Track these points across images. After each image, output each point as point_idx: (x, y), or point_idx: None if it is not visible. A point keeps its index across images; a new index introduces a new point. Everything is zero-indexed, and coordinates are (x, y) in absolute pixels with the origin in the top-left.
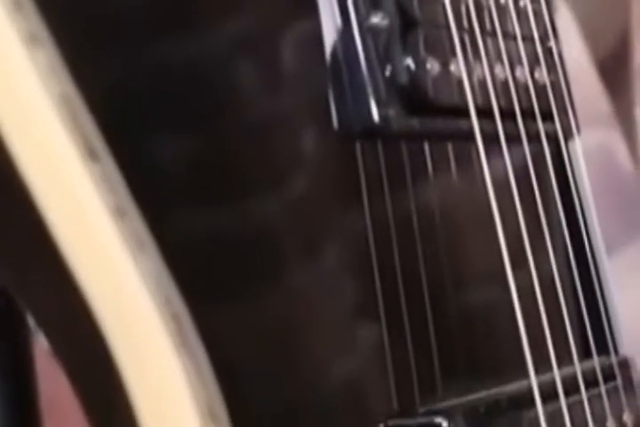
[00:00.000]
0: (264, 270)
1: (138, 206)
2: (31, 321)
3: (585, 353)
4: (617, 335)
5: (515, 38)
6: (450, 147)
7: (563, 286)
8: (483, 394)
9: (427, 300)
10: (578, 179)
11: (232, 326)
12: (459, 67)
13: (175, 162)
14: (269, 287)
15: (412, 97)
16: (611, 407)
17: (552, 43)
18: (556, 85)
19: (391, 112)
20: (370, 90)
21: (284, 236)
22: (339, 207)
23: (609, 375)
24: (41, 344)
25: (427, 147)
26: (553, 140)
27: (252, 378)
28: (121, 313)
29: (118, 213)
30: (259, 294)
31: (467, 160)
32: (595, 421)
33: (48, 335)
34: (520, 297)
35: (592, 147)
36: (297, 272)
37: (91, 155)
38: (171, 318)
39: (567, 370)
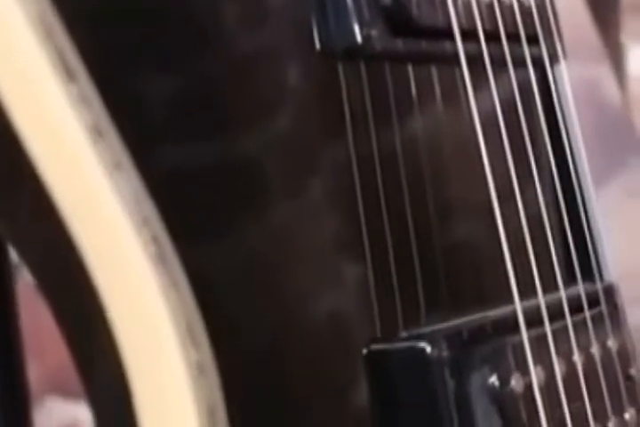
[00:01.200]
0: (247, 202)
1: (116, 128)
2: (14, 255)
3: (570, 280)
4: (602, 262)
5: None
6: (435, 75)
7: (549, 216)
8: (466, 320)
9: (411, 230)
10: (564, 104)
11: (214, 258)
12: None
13: (158, 92)
14: (252, 220)
15: (395, 17)
16: (595, 333)
17: None
18: (541, 8)
19: (374, 32)
20: (352, 10)
21: (267, 168)
22: (323, 140)
23: (594, 301)
24: (24, 279)
25: (411, 73)
26: (539, 65)
27: (236, 308)
28: (99, 235)
29: (95, 133)
30: (242, 227)
31: (452, 89)
32: (579, 347)
33: (29, 264)
34: (506, 227)
35: (579, 80)
36: (280, 205)
37: (68, 74)
38: (150, 240)
39: (552, 296)
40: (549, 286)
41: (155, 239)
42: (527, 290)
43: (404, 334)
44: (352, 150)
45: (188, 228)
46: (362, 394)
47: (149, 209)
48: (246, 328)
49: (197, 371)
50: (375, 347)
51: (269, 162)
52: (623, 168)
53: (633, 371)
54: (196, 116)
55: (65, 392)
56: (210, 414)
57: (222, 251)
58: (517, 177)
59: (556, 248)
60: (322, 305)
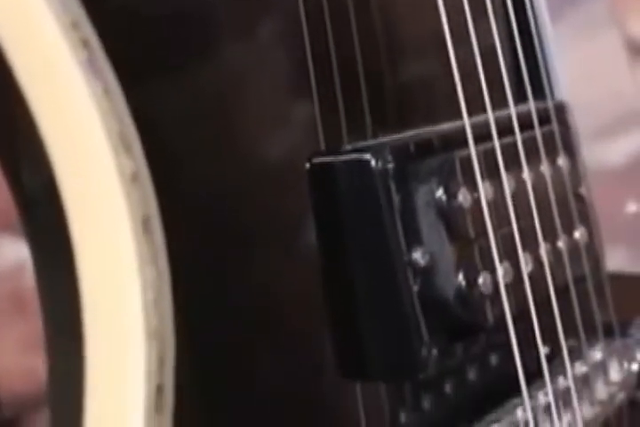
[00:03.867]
0: (198, 41)
1: None
2: None
3: (521, 99)
4: (553, 81)
5: None
6: None
7: (501, 42)
8: (414, 134)
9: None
10: None
11: (160, 95)
12: None
13: None
14: (202, 59)
15: None
16: (546, 151)
17: None
18: None
19: None
20: None
21: (218, 7)
22: None
23: (545, 119)
24: None
25: None
26: None
27: (182, 151)
28: (26, 41)
29: None
30: (191, 65)
31: None
32: (529, 164)
33: None
34: (456, 48)
35: None
36: (230, 45)
37: None
38: (80, 44)
39: (502, 112)
40: (500, 104)
41: (85, 43)
42: (477, 108)
43: (348, 147)
44: None
45: (135, 62)
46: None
47: (78, 11)
48: (194, 172)
49: (130, 178)
50: (318, 160)
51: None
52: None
53: (583, 190)
54: None
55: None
56: (144, 223)
57: (169, 88)
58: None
59: (507, 70)
60: (272, 145)
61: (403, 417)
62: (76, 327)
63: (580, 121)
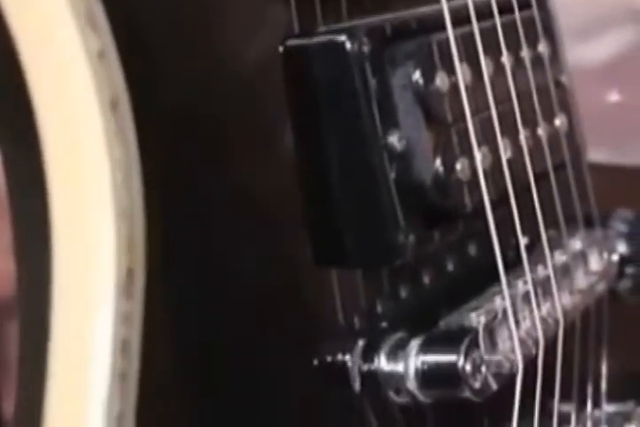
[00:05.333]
0: None
1: None
2: None
3: None
4: None
5: None
6: None
7: None
8: (390, 16)
9: None
10: None
11: None
12: None
13: None
14: None
15: None
16: (526, 36)
17: None
18: None
19: None
20: None
21: None
22: None
23: (525, 3)
24: None
25: None
26: None
27: (158, 44)
28: None
29: None
30: None
31: None
32: (508, 48)
33: None
34: None
35: None
36: None
37: None
38: None
39: None
40: None
41: None
42: None
43: (323, 29)
44: None
45: None
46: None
47: None
48: (167, 62)
49: (97, 55)
50: (292, 42)
51: None
52: None
53: (564, 78)
54: None
55: None
56: (112, 107)
57: None
58: None
59: None
60: (247, 33)
61: (380, 307)
62: (44, 213)
63: (561, 21)
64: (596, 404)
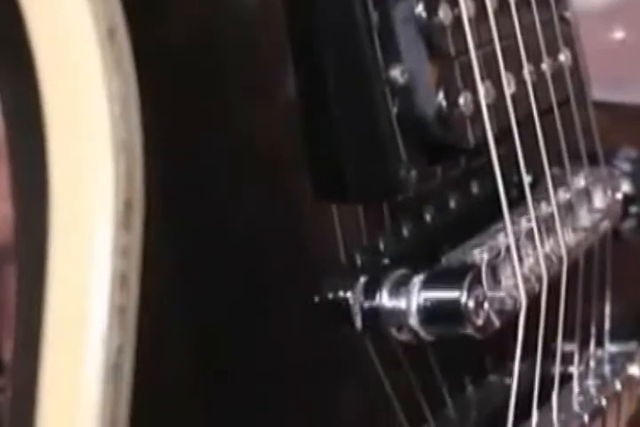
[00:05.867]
0: None
1: None
2: None
3: None
4: None
5: None
6: None
7: None
8: None
9: None
10: None
11: None
12: None
13: None
14: None
15: None
16: None
17: None
18: None
19: None
20: None
21: None
22: None
23: None
24: None
25: None
26: None
27: None
28: None
29: None
30: None
31: None
32: None
33: None
34: None
35: None
36: None
37: None
38: None
39: None
40: None
41: None
42: None
43: None
44: None
45: None
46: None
47: None
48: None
49: None
50: None
51: None
52: None
53: (568, 14)
54: None
55: None
56: (110, 36)
57: None
58: None
59: None
60: None
61: (381, 244)
62: (42, 150)
63: None
64: (599, 344)
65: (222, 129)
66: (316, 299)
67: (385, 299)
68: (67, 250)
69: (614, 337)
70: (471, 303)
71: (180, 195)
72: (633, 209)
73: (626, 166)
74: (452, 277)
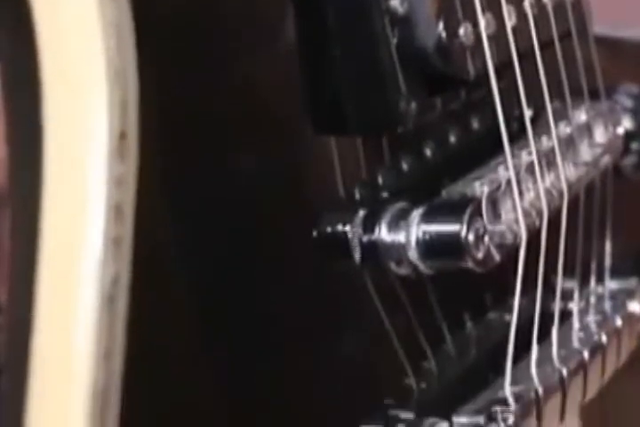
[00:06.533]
0: None
1: None
2: None
3: None
4: None
5: None
6: None
7: None
8: None
9: None
10: None
11: None
12: None
13: None
14: None
15: None
16: None
17: None
18: None
19: None
20: None
21: None
22: None
23: None
24: None
25: None
26: None
27: None
28: None
29: None
30: None
31: None
32: None
33: None
34: None
35: None
36: None
37: None
38: None
39: None
40: None
41: None
42: None
43: None
44: None
45: None
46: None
47: None
48: None
49: None
50: None
51: None
52: None
53: None
54: None
55: None
56: None
57: None
58: None
59: None
60: None
61: (381, 178)
62: (36, 75)
63: None
64: (600, 280)
65: (222, 65)
66: (315, 233)
67: (384, 233)
68: (61, 181)
69: (615, 274)
70: (471, 236)
71: (176, 124)
72: (634, 145)
73: (627, 102)
74: (451, 210)
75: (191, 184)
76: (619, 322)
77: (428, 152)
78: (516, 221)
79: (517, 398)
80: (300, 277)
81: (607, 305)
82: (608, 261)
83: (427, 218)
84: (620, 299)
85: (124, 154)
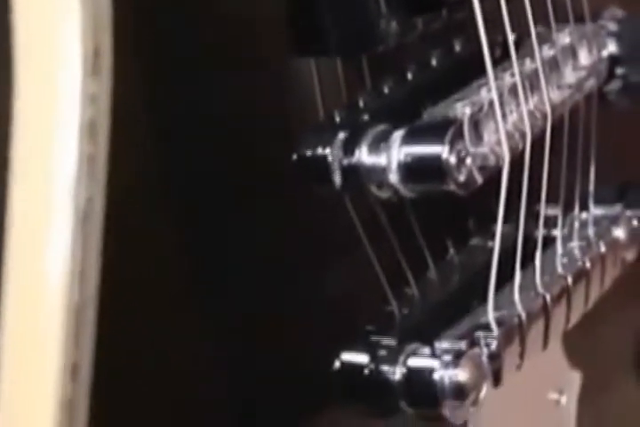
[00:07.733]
0: None
1: None
2: None
3: None
4: None
5: None
6: None
7: None
8: None
9: None
10: None
11: None
12: None
13: None
14: None
15: None
16: None
17: None
18: None
19: None
20: None
21: None
22: None
23: None
24: None
25: None
26: None
27: None
28: None
29: None
30: None
31: None
32: None
33: None
34: None
35: None
36: None
37: None
38: None
39: None
40: None
41: None
42: None
43: None
44: None
45: None
46: None
47: None
48: None
49: None
50: None
51: None
52: None
53: None
54: None
55: None
56: None
57: None
58: None
59: None
60: None
61: (361, 100)
62: None
63: None
64: (584, 207)
65: None
66: (295, 157)
67: (364, 155)
68: (34, 97)
69: (599, 201)
70: (453, 159)
71: (156, 50)
72: (618, 70)
73: (612, 26)
74: (433, 132)
75: (169, 107)
76: (603, 248)
77: (410, 74)
78: (499, 143)
79: (500, 323)
80: (280, 202)
81: (591, 231)
82: (592, 188)
83: (408, 140)
84: (604, 225)
85: (98, 70)
